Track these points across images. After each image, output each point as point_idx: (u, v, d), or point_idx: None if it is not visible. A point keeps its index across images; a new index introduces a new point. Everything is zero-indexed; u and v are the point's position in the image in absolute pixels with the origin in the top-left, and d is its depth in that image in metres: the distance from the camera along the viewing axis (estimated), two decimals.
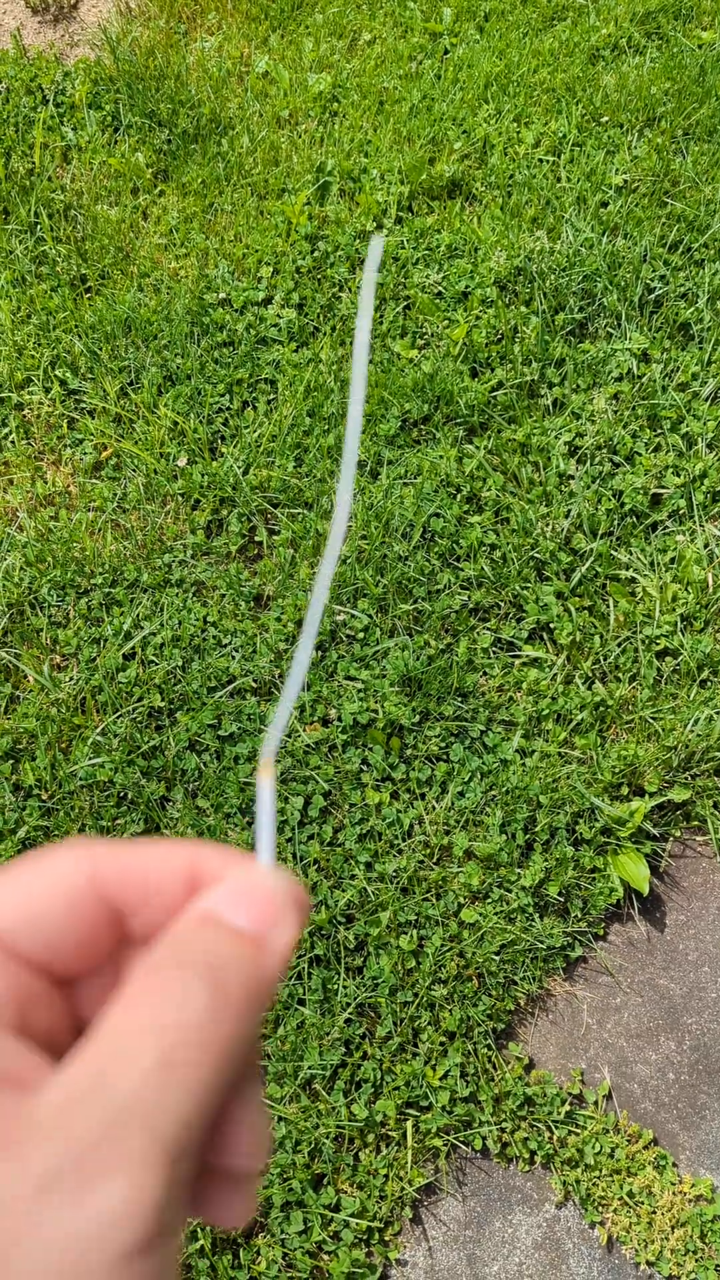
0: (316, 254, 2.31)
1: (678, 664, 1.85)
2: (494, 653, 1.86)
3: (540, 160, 2.50)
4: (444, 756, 1.76)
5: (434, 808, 1.71)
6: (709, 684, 1.84)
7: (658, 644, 1.86)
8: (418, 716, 1.76)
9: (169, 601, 1.88)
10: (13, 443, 2.06)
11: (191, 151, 2.49)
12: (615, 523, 1.98)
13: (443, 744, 1.76)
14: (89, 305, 2.22)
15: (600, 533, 1.97)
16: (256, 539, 1.98)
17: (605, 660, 1.85)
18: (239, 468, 2.03)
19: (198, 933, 0.28)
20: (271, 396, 2.14)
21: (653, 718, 1.80)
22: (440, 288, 2.29)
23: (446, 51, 2.72)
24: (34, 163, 2.44)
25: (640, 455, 2.06)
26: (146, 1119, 0.24)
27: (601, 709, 1.81)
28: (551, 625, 1.87)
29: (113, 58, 2.63)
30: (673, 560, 1.96)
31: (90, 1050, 0.26)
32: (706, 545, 1.97)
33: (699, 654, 1.85)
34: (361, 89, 2.62)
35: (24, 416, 2.09)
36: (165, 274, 2.28)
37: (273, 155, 2.49)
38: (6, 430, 2.06)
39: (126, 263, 2.30)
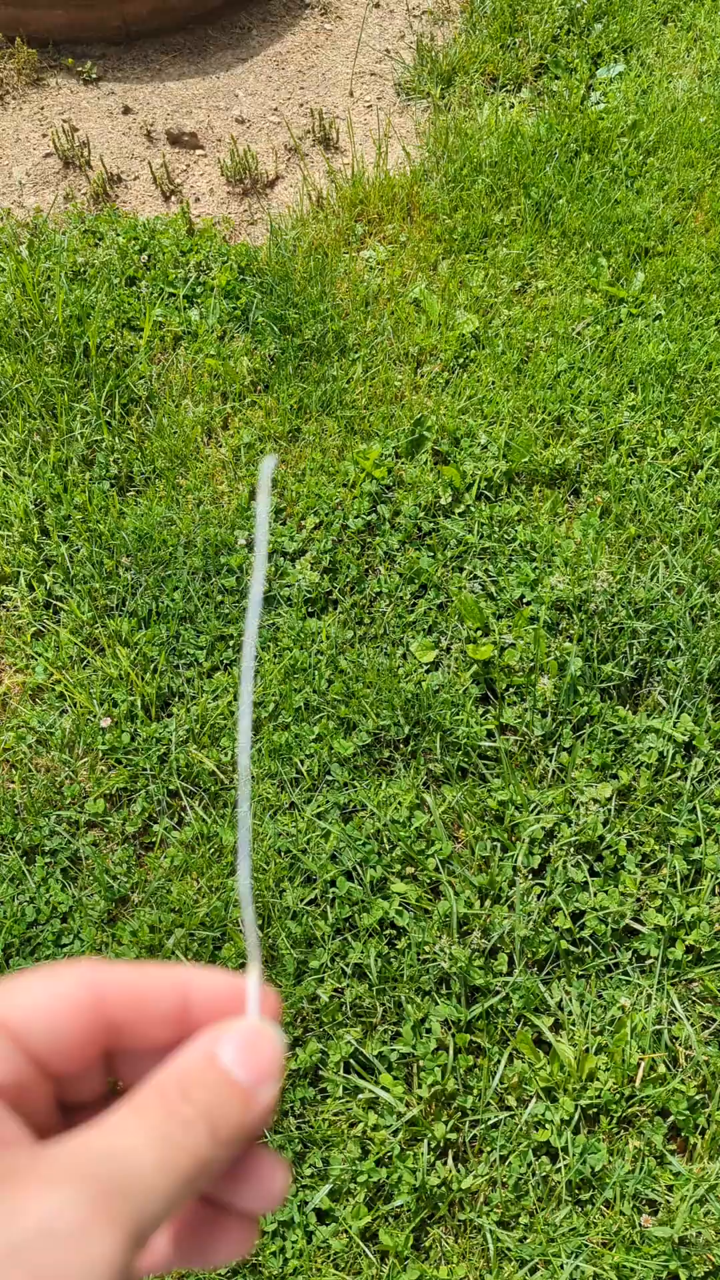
0: (373, 517, 2.09)
1: (556, 1169, 1.47)
2: (349, 1066, 1.54)
3: (669, 472, 2.19)
4: None
5: None
6: (584, 1210, 1.45)
7: (542, 1132, 1.49)
8: None
9: (31, 871, 1.68)
10: None
11: (302, 368, 2.33)
12: (560, 950, 1.63)
13: None
14: (119, 507, 2.09)
15: (535, 959, 1.62)
16: (158, 827, 1.75)
17: (466, 1129, 1.49)
18: (178, 736, 1.82)
19: (204, 1073, 0.33)
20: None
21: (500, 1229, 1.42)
22: (493, 589, 2.02)
23: (620, 322, 2.45)
24: (140, 340, 2.36)
25: (628, 871, 1.70)
26: (138, 1198, 0.29)
27: (441, 1192, 1.45)
28: (422, 1063, 1.53)
29: (270, 249, 2.53)
30: (611, 1022, 1.58)
31: (104, 1131, 0.30)
32: (659, 1019, 1.58)
33: (585, 1167, 1.46)
34: (510, 339, 2.40)
35: None
36: (209, 494, 2.13)
37: (382, 392, 2.30)
38: None
39: (180, 471, 2.17)
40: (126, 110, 2.94)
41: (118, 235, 2.55)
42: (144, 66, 3.07)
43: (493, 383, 2.33)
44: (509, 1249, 1.41)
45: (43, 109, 2.94)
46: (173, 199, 2.75)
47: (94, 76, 3.01)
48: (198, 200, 2.75)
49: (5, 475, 2.12)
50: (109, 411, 2.23)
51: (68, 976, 0.34)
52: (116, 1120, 0.31)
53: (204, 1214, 0.36)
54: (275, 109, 2.99)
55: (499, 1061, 1.55)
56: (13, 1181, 0.28)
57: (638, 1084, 1.53)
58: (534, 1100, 1.51)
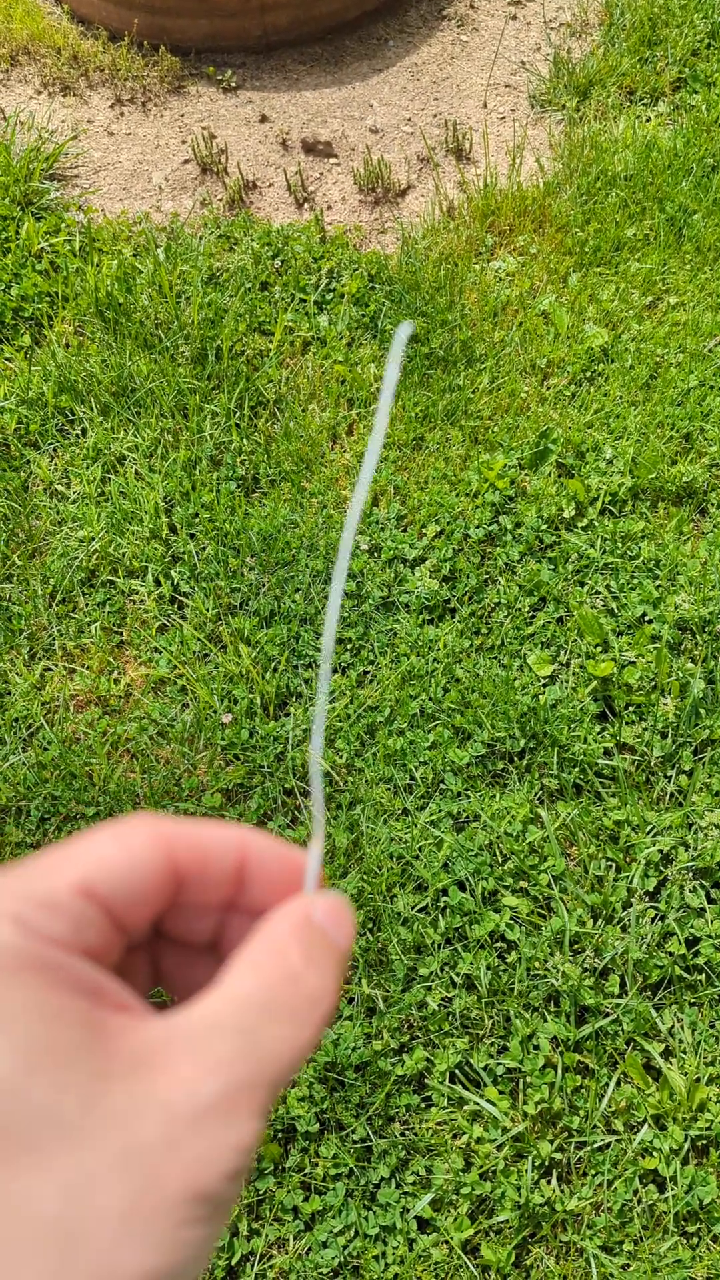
0: (494, 527, 2.09)
1: (663, 1199, 1.44)
2: (455, 1077, 1.54)
3: None
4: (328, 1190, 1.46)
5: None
6: (690, 1243, 1.42)
7: (650, 1160, 1.46)
8: (318, 1125, 1.48)
9: None
10: (103, 629, 1.99)
11: (428, 376, 2.34)
12: (673, 976, 1.60)
13: (334, 1177, 1.46)
14: (244, 507, 2.13)
15: (648, 983, 1.60)
16: (273, 824, 1.78)
17: (571, 1150, 1.48)
18: (295, 736, 1.84)
19: (310, 932, 0.33)
20: (368, 669, 1.93)
21: (603, 1251, 1.40)
22: (614, 605, 1.99)
23: None
24: (271, 344, 2.39)
25: None
26: (275, 1077, 0.30)
27: (544, 1211, 1.43)
28: (529, 1080, 1.52)
29: (401, 258, 2.55)
30: None
31: (234, 996, 0.31)
32: None
33: (694, 1199, 1.43)
34: (639, 354, 2.37)
35: (125, 604, 2.02)
36: (333, 498, 2.15)
37: (508, 403, 2.30)
38: (96, 617, 2.00)
39: (305, 474, 2.19)
40: (263, 118, 3.00)
41: (252, 241, 2.59)
42: (281, 76, 3.12)
43: (620, 397, 2.31)
44: (612, 1275, 1.39)
45: (183, 116, 3.01)
46: (306, 206, 2.79)
47: (233, 85, 3.07)
48: (330, 208, 2.78)
49: (137, 472, 2.17)
50: (238, 413, 2.27)
51: (138, 831, 0.33)
52: (242, 983, 0.31)
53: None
54: (409, 119, 3.01)
55: (607, 1084, 1.52)
56: (153, 1066, 0.28)
57: None
58: (643, 1127, 1.49)
